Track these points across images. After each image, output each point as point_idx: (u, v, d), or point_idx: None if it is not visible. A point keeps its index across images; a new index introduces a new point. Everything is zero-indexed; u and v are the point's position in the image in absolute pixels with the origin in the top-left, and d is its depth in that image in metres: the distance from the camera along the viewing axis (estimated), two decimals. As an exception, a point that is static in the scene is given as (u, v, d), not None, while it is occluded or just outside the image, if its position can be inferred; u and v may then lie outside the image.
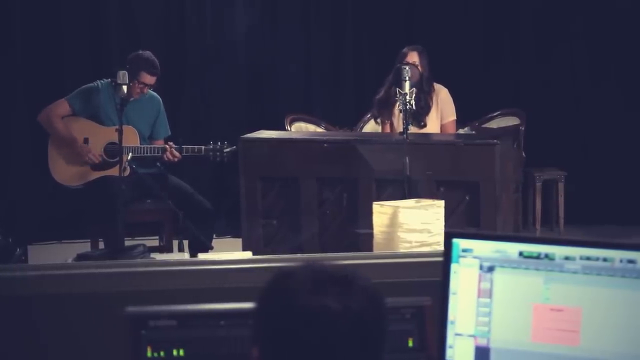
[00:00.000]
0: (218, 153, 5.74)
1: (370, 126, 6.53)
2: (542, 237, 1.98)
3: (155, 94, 5.98)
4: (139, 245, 4.08)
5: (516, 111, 6.87)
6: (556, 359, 1.92)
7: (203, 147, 5.75)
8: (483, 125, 6.69)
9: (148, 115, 5.92)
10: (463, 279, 2.00)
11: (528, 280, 1.95)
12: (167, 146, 5.71)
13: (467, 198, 5.13)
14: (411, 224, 4.05)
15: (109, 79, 5.79)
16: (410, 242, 4.01)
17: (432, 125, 6.00)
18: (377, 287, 1.58)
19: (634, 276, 1.88)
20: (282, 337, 1.56)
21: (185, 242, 5.79)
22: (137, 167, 5.51)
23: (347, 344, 1.55)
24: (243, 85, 7.55)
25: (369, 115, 6.54)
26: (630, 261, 1.89)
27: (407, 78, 5.21)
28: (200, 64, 7.48)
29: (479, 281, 1.99)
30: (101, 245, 5.68)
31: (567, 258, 1.93)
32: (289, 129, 6.56)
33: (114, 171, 5.60)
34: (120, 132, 5.31)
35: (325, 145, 5.47)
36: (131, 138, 5.64)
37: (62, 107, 5.83)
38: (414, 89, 5.30)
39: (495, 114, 6.86)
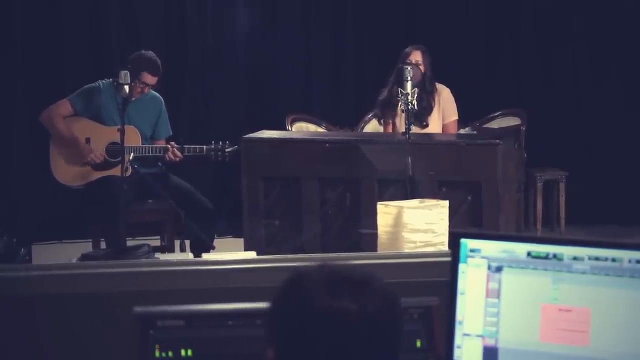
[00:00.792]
0: (220, 153, 5.73)
1: (372, 126, 6.53)
2: (551, 238, 1.98)
3: (157, 94, 5.97)
4: (143, 245, 4.08)
5: (517, 111, 6.87)
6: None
7: (205, 147, 5.74)
8: (484, 126, 6.69)
9: (150, 116, 5.91)
10: (471, 280, 2.00)
11: (536, 280, 1.95)
12: (169, 146, 5.71)
13: (469, 198, 5.13)
14: (416, 225, 4.05)
15: (111, 79, 5.79)
16: (414, 242, 4.00)
17: (435, 125, 6.00)
18: (392, 288, 1.58)
19: (643, 277, 1.88)
20: (298, 338, 1.56)
21: (187, 243, 5.78)
22: (138, 167, 5.50)
23: (362, 344, 1.55)
24: (244, 85, 7.55)
25: (370, 116, 6.54)
26: (639, 262, 1.89)
27: (409, 78, 5.20)
28: (201, 64, 7.48)
29: (487, 281, 1.99)
30: (103, 245, 5.68)
31: (575, 258, 1.93)
32: (290, 129, 6.56)
33: (115, 171, 5.59)
34: (122, 132, 5.30)
35: (327, 145, 5.47)
36: (133, 138, 5.64)
37: (64, 107, 5.82)
38: (416, 89, 5.29)
39: (496, 114, 6.87)
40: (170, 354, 1.99)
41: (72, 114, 5.82)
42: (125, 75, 5.36)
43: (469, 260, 2.00)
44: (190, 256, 4.32)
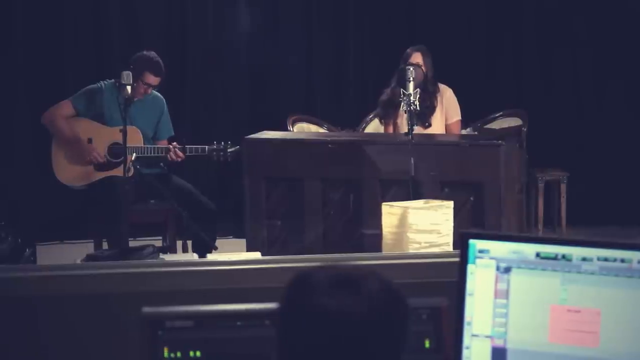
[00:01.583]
0: (222, 153, 5.73)
1: (373, 127, 6.53)
2: (560, 238, 1.97)
3: (158, 94, 5.98)
4: (148, 245, 4.08)
5: (518, 112, 6.87)
6: (574, 360, 1.92)
7: (207, 147, 5.74)
8: (485, 126, 6.69)
9: (152, 116, 5.91)
10: (479, 280, 2.00)
11: (545, 281, 1.95)
12: (171, 146, 5.71)
13: (471, 199, 5.13)
14: (420, 225, 4.05)
15: (113, 80, 5.80)
16: (419, 242, 4.00)
17: (437, 125, 6.00)
18: (398, 287, 1.58)
19: (652, 277, 1.88)
20: (301, 339, 1.56)
21: (189, 243, 5.79)
22: (140, 167, 5.51)
23: (366, 344, 1.54)
24: (245, 85, 7.54)
25: (371, 116, 6.54)
26: (648, 262, 1.89)
27: (410, 79, 5.21)
28: (202, 64, 7.48)
29: (496, 282, 1.99)
30: (105, 245, 5.68)
31: (584, 259, 1.93)
32: (291, 129, 6.55)
33: (117, 171, 5.60)
34: (124, 132, 5.30)
35: (329, 145, 5.47)
36: (135, 138, 5.64)
37: (66, 107, 5.82)
38: (418, 89, 5.30)
39: (497, 114, 6.86)
40: (179, 354, 1.99)
41: (73, 115, 5.82)
42: (127, 76, 5.37)
43: (478, 260, 2.00)
44: (195, 256, 4.32)
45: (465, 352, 1.99)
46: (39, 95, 6.81)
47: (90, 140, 5.76)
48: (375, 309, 1.55)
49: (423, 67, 5.90)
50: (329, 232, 5.36)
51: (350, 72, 7.66)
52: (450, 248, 4.08)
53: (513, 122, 6.78)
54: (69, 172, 5.76)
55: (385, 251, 4.13)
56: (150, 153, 5.71)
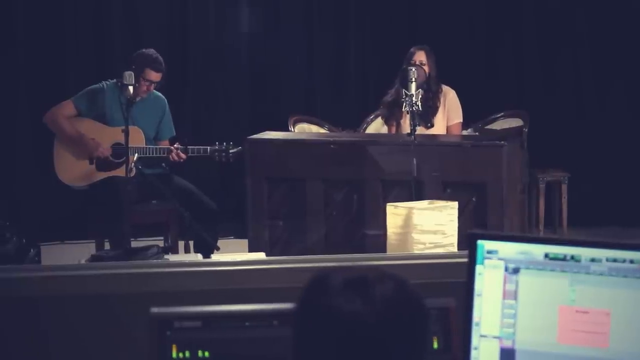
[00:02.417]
0: (224, 154, 5.73)
1: (374, 127, 6.53)
2: (568, 239, 1.97)
3: (160, 94, 5.98)
4: (152, 246, 4.08)
5: (519, 112, 6.87)
6: (582, 361, 1.92)
7: (209, 147, 5.75)
8: (486, 127, 6.69)
9: (153, 116, 5.92)
10: (488, 281, 2.00)
11: (554, 281, 1.95)
12: (173, 147, 5.71)
13: (473, 199, 5.13)
14: (425, 226, 4.05)
15: (115, 80, 5.80)
16: (424, 243, 4.00)
17: (438, 126, 6.00)
18: (416, 289, 1.58)
19: (661, 278, 1.88)
20: (315, 340, 1.56)
21: (191, 243, 5.79)
22: (142, 167, 5.51)
23: (381, 347, 1.54)
24: (246, 85, 7.55)
25: (372, 116, 6.54)
26: (657, 263, 1.89)
27: (413, 79, 5.22)
28: (203, 64, 7.48)
29: (504, 283, 1.99)
30: (106, 246, 5.67)
31: (593, 260, 1.93)
32: (292, 129, 6.55)
33: (119, 172, 5.60)
34: (126, 132, 5.30)
35: (332, 146, 5.47)
36: (137, 138, 5.64)
37: (68, 108, 5.82)
38: (420, 90, 5.30)
39: (498, 115, 6.86)
40: (187, 354, 1.99)
41: (75, 115, 5.82)
42: (129, 76, 5.37)
43: (486, 261, 2.00)
44: (199, 257, 4.32)
45: (473, 353, 1.99)
46: (40, 95, 6.81)
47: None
48: (392, 311, 1.55)
49: (426, 67, 5.91)
50: (331, 233, 5.36)
51: (351, 72, 7.66)
52: (455, 249, 4.08)
53: (514, 122, 6.78)
54: (71, 172, 5.75)
55: (390, 252, 4.12)
56: (152, 153, 5.71)
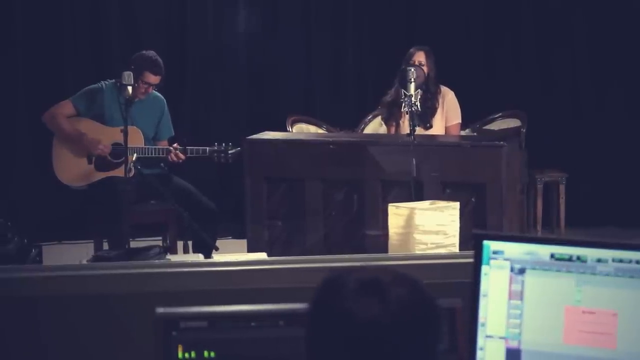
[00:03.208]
0: (222, 155, 5.73)
1: (372, 127, 6.53)
2: (574, 239, 1.97)
3: (159, 94, 5.98)
4: (154, 246, 4.08)
5: (517, 113, 6.87)
6: (589, 361, 1.92)
7: (208, 148, 5.74)
8: (484, 127, 6.69)
9: (152, 116, 5.91)
10: (494, 281, 2.00)
11: (560, 282, 1.95)
12: (172, 148, 5.70)
13: (473, 200, 5.13)
14: (427, 226, 4.05)
15: (114, 80, 5.79)
16: (425, 243, 4.01)
17: (437, 127, 6.00)
18: (428, 289, 1.58)
19: (668, 278, 1.88)
20: (328, 342, 1.55)
21: (190, 243, 5.79)
22: (141, 167, 5.50)
23: (394, 348, 1.54)
24: (244, 86, 7.54)
25: (370, 117, 6.55)
26: (664, 264, 1.89)
27: (412, 80, 5.22)
28: (201, 64, 7.48)
29: (510, 283, 1.99)
30: (105, 246, 5.67)
31: (599, 260, 1.93)
32: (290, 130, 6.55)
33: (118, 172, 5.60)
34: (125, 132, 5.30)
35: (331, 146, 5.47)
36: (136, 139, 5.63)
37: (67, 107, 5.82)
38: (420, 90, 5.30)
39: (496, 115, 6.86)
40: (193, 354, 1.99)
41: (74, 114, 5.81)
42: (128, 76, 5.37)
43: (492, 261, 2.00)
44: (200, 257, 4.32)
45: (479, 353, 1.99)
46: (39, 95, 6.80)
47: (91, 140, 5.76)
48: (408, 313, 1.54)
49: (426, 67, 5.91)
50: (331, 233, 5.36)
51: (349, 72, 7.66)
52: (456, 249, 4.09)
53: (512, 123, 6.79)
54: (70, 172, 5.75)
55: (392, 252, 4.13)
56: (151, 154, 5.71)
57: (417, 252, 3.94)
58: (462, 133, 6.24)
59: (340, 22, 7.65)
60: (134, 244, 5.28)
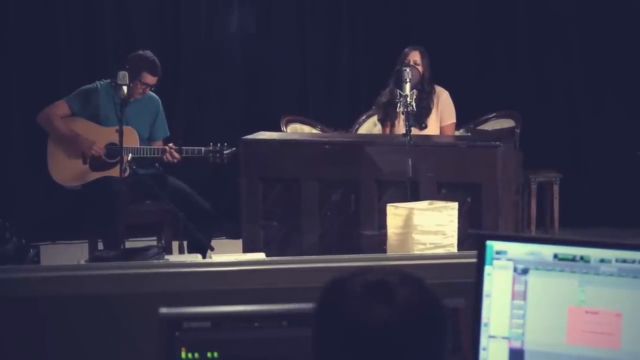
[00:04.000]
0: (218, 155, 5.73)
1: (366, 127, 6.53)
2: (578, 240, 1.97)
3: (154, 94, 5.97)
4: (152, 246, 4.07)
5: (511, 113, 6.88)
6: (592, 361, 1.93)
7: (203, 148, 5.74)
8: (478, 127, 6.70)
9: (147, 116, 5.90)
10: (497, 281, 2.00)
11: (563, 282, 1.95)
12: (167, 147, 5.69)
13: (468, 200, 5.14)
14: (425, 226, 4.06)
15: (109, 80, 5.78)
16: (424, 244, 4.01)
17: (432, 127, 6.01)
18: (433, 289, 1.58)
19: (671, 279, 1.89)
20: (335, 346, 1.55)
21: (185, 243, 5.77)
22: (136, 168, 5.50)
23: (401, 350, 1.53)
24: (238, 86, 7.54)
25: (364, 117, 6.55)
26: (667, 264, 1.90)
27: (407, 80, 5.22)
28: (195, 64, 7.47)
29: (513, 283, 1.99)
30: (99, 246, 5.66)
31: (602, 260, 1.94)
32: (284, 130, 6.55)
33: (113, 172, 5.59)
34: (120, 132, 5.29)
35: (326, 146, 5.47)
36: (131, 139, 5.63)
37: (61, 107, 5.81)
38: (415, 90, 5.30)
39: (490, 115, 6.87)
40: (196, 355, 1.98)
41: (69, 114, 5.80)
42: (123, 76, 5.36)
43: (495, 262, 2.01)
44: (199, 257, 4.31)
45: (482, 354, 2.00)
46: (32, 96, 6.78)
47: (86, 140, 5.75)
48: (414, 314, 1.54)
49: (420, 67, 5.91)
50: (326, 233, 5.36)
51: (343, 73, 7.66)
52: (454, 249, 4.10)
53: (506, 123, 6.79)
54: (65, 172, 5.74)
55: (390, 252, 4.13)
56: (146, 154, 5.70)
57: (416, 252, 3.94)
58: (457, 133, 6.25)
59: (335, 22, 7.65)
60: (128, 244, 5.28)
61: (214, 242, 5.60)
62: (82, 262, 3.88)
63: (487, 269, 2.01)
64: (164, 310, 1.99)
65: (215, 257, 3.71)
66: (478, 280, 2.01)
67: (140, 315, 2.31)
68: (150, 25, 7.41)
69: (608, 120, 7.42)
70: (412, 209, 4.20)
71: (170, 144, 5.74)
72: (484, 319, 2.00)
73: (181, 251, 5.65)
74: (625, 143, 7.29)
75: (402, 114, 5.22)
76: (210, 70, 7.44)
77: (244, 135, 5.69)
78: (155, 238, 6.02)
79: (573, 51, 7.55)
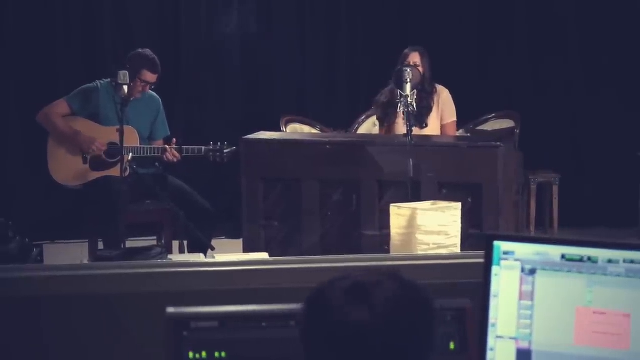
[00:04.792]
0: (218, 154, 5.72)
1: (365, 127, 6.53)
2: (585, 240, 1.97)
3: (154, 93, 5.96)
4: (155, 246, 4.07)
5: (511, 113, 6.88)
6: (600, 362, 1.93)
7: (203, 148, 5.73)
8: (477, 128, 6.70)
9: (148, 115, 5.90)
10: (504, 282, 2.01)
11: (570, 283, 1.96)
12: (168, 147, 5.69)
13: (469, 200, 5.14)
14: (429, 226, 4.05)
15: (109, 79, 5.77)
16: (427, 244, 4.01)
17: (433, 126, 6.01)
18: (421, 288, 1.58)
19: (679, 279, 1.89)
20: (322, 349, 1.57)
21: (186, 243, 5.77)
22: (137, 167, 5.49)
23: (387, 352, 1.54)
24: (238, 86, 7.54)
25: (363, 117, 6.55)
26: (675, 264, 1.90)
27: (408, 80, 5.21)
28: (195, 64, 7.47)
29: (521, 284, 1.99)
30: (100, 246, 5.65)
31: (610, 261, 1.94)
32: (284, 130, 6.55)
33: (114, 171, 5.58)
34: (121, 132, 5.29)
35: (327, 146, 5.47)
36: (131, 138, 5.62)
37: (61, 107, 5.79)
38: (415, 90, 5.30)
39: (490, 116, 6.87)
40: (204, 354, 1.98)
41: (68, 114, 5.79)
42: (124, 75, 5.35)
43: (502, 262, 2.01)
44: (202, 257, 4.31)
45: (489, 354, 2.00)
46: (31, 95, 6.78)
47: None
48: (394, 312, 1.55)
49: (421, 68, 5.91)
50: (327, 233, 5.36)
51: (343, 73, 7.66)
52: (458, 249, 4.10)
53: (505, 123, 6.79)
54: (65, 172, 5.73)
55: (394, 252, 4.13)
56: (147, 153, 5.70)
57: (419, 252, 3.94)
58: (457, 133, 6.25)
59: (334, 22, 7.65)
60: (129, 244, 5.27)
61: (214, 242, 5.58)
62: (85, 261, 3.87)
63: (495, 269, 2.01)
64: (171, 310, 1.99)
65: (219, 257, 3.70)
66: (485, 280, 2.01)
67: (145, 316, 2.31)
68: (149, 25, 7.41)
69: (607, 121, 7.43)
70: (415, 209, 4.20)
71: (174, 139, 5.73)
72: (491, 320, 2.00)
73: (181, 251, 5.65)
74: (625, 143, 7.30)
75: (403, 114, 5.21)
76: (210, 70, 7.43)
77: (243, 136, 5.68)
78: (155, 237, 6.02)
79: (572, 51, 7.55)
